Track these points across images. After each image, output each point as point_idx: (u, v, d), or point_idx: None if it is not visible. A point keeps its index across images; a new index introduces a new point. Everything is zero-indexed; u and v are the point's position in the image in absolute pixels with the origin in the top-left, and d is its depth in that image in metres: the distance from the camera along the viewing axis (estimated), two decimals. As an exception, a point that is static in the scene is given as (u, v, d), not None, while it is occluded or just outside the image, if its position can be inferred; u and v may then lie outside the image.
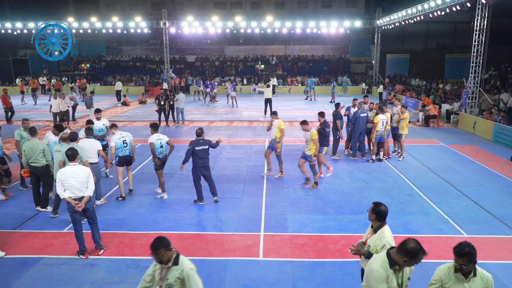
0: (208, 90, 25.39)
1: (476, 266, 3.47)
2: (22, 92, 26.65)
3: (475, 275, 3.42)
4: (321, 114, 10.00)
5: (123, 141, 8.37)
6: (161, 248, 3.51)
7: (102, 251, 6.35)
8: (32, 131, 8.19)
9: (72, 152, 6.10)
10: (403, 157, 11.81)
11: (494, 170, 10.72)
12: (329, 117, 10.68)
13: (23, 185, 9.18)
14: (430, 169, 10.81)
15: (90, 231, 6.33)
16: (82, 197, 5.97)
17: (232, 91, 23.93)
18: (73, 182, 5.90)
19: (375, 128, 11.19)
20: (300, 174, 10.30)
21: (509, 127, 13.54)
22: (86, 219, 6.37)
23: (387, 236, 3.96)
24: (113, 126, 8.68)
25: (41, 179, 8.00)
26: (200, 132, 8.22)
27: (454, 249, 3.39)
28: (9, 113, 17.90)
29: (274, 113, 10.47)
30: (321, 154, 9.71)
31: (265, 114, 20.11)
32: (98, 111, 10.32)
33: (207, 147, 8.12)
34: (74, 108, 18.60)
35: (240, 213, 7.87)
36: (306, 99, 28.09)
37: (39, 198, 8.07)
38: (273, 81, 31.28)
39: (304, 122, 9.09)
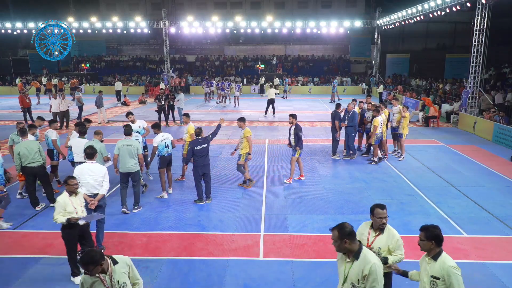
0: (223, 91, 25.24)
1: (444, 254, 3.59)
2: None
3: (435, 260, 3.56)
4: (293, 116, 9.52)
5: (166, 143, 8.54)
6: (99, 259, 3.41)
7: (102, 251, 6.37)
8: (22, 132, 8.02)
9: (91, 150, 6.26)
10: (403, 157, 11.81)
11: (494, 170, 10.72)
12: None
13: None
14: (430, 169, 10.81)
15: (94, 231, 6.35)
16: (96, 194, 6.12)
17: (237, 90, 24.30)
18: (89, 179, 6.08)
19: (375, 130, 11.02)
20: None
21: (509, 127, 13.55)
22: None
23: (396, 232, 4.08)
24: (156, 126, 8.69)
25: (40, 179, 8.00)
26: (198, 132, 8.26)
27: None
28: (27, 113, 17.86)
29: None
30: (294, 157, 9.52)
31: (265, 114, 20.13)
32: (130, 114, 10.04)
33: (206, 145, 8.16)
34: (80, 108, 18.61)
35: (240, 213, 7.87)
36: (283, 97, 28.91)
37: (36, 200, 8.07)
38: (275, 81, 31.39)
39: (240, 119, 9.08)
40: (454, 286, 3.42)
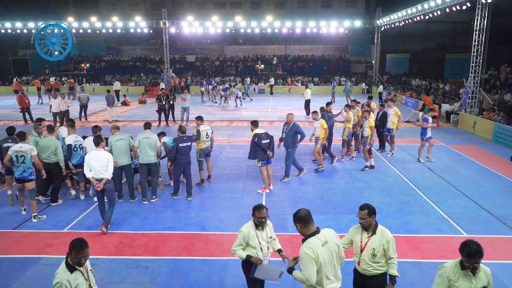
0: (223, 92, 25.32)
1: (481, 265, 3.52)
2: (17, 92, 26.57)
3: (478, 271, 3.48)
4: (254, 124, 8.91)
5: (198, 130, 9.15)
6: (87, 247, 3.48)
7: (108, 227, 7.09)
8: (50, 129, 8.42)
9: (97, 139, 7.10)
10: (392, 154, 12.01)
11: (494, 170, 10.72)
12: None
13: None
14: (430, 169, 10.81)
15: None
16: (103, 179, 6.79)
17: (238, 91, 24.79)
18: (95, 164, 6.80)
19: (371, 133, 10.46)
20: (298, 174, 10.32)
21: (509, 127, 13.55)
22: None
23: (389, 232, 4.07)
24: (199, 118, 9.39)
25: (52, 174, 8.24)
26: (184, 129, 8.44)
27: (462, 251, 3.40)
28: (26, 113, 17.86)
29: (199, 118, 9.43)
30: (262, 167, 8.84)
31: (308, 114, 19.85)
32: (200, 118, 9.44)
33: (190, 144, 8.34)
34: (85, 107, 18.62)
35: (240, 213, 7.87)
36: (246, 99, 27.66)
37: (45, 190, 8.41)
38: (271, 80, 31.53)
39: (197, 118, 9.30)
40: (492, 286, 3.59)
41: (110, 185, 6.99)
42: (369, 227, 4.04)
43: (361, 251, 4.06)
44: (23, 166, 7.37)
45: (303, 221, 3.65)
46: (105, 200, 7.20)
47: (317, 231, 3.65)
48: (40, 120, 9.35)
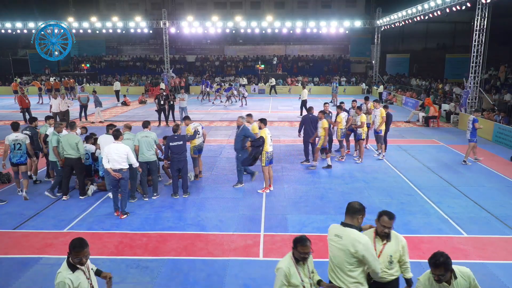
0: (225, 92, 25.30)
1: (456, 267, 3.52)
2: (16, 92, 26.61)
3: (455, 277, 3.46)
4: (263, 121, 8.85)
5: (195, 130, 9.39)
6: (87, 246, 3.45)
7: (125, 216, 7.59)
8: (71, 125, 8.74)
9: (116, 132, 7.60)
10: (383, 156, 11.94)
11: (494, 170, 10.72)
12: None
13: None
14: (430, 169, 10.81)
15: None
16: (120, 169, 7.34)
17: (244, 91, 24.92)
18: (115, 156, 7.32)
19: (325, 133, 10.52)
20: (300, 175, 10.32)
21: (509, 127, 13.55)
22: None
23: (402, 237, 4.06)
24: (186, 118, 9.86)
25: (75, 170, 8.57)
26: (175, 129, 8.58)
27: (430, 261, 3.41)
28: (26, 114, 17.89)
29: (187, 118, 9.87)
30: (265, 166, 8.84)
31: (301, 115, 19.54)
32: (187, 118, 9.90)
33: (181, 142, 8.45)
34: (85, 108, 18.62)
35: (240, 213, 7.87)
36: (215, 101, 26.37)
37: (67, 190, 8.65)
38: (272, 81, 31.53)
39: (185, 118, 9.68)
40: (478, 286, 3.55)
41: (127, 175, 7.50)
42: (388, 236, 3.93)
43: None
44: (20, 152, 8.47)
45: (347, 210, 4.07)
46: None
47: (342, 224, 3.92)
48: (49, 118, 9.88)
